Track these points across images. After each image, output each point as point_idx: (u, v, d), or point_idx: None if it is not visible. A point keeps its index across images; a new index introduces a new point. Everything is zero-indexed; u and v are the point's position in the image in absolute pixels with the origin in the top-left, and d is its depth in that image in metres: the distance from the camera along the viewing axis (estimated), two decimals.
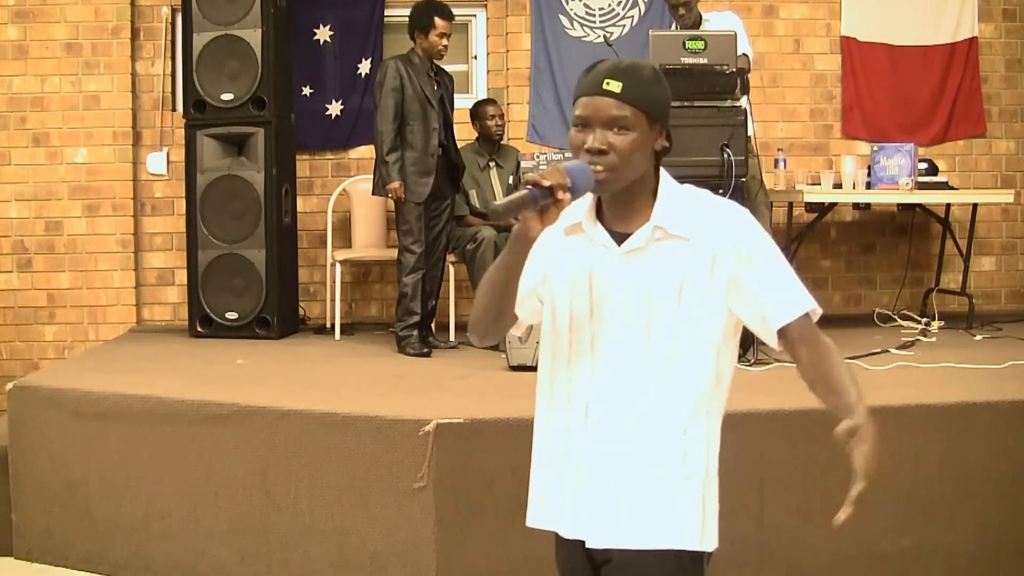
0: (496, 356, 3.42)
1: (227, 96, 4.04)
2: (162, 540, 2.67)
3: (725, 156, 3.17)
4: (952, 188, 4.31)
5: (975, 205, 4.37)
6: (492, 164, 4.30)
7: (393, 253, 4.40)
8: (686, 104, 3.22)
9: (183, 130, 4.18)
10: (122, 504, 2.72)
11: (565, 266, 1.37)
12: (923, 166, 4.22)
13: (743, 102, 3.39)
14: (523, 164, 3.43)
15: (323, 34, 4.66)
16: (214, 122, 4.06)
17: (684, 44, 3.28)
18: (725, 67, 3.27)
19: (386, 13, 4.66)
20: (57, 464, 2.81)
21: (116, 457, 2.74)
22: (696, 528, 1.33)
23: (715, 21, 3.78)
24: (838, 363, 1.34)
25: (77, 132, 4.46)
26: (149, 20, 4.55)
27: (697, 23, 3.74)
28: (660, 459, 1.32)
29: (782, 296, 1.34)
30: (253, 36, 4.02)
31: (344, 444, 2.47)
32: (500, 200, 1.26)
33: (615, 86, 1.27)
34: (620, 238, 1.33)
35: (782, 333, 1.34)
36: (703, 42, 3.29)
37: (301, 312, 4.45)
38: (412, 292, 3.71)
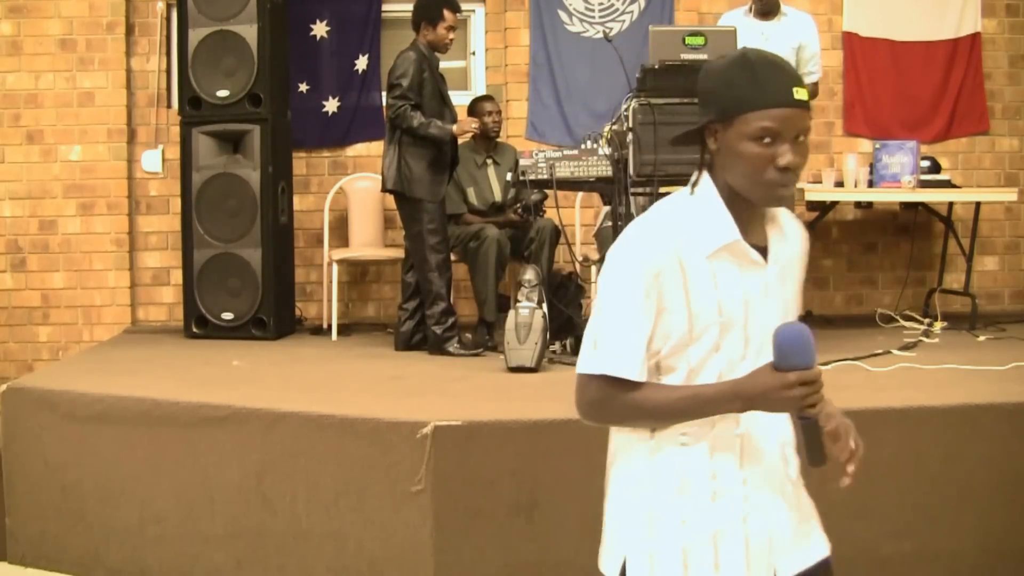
0: (494, 358, 3.39)
1: (223, 93, 4.01)
2: (157, 544, 2.65)
3: None
4: (955, 186, 4.28)
5: (978, 204, 4.33)
6: (489, 161, 4.27)
7: (391, 252, 4.38)
8: (685, 101, 3.20)
9: (178, 127, 4.15)
10: (117, 508, 2.70)
11: (714, 295, 1.20)
12: (926, 164, 4.19)
13: None
14: (521, 162, 3.39)
15: (320, 30, 4.62)
16: (210, 119, 4.03)
17: (684, 40, 3.25)
18: None
19: (383, 9, 4.62)
20: (51, 467, 2.79)
21: (111, 460, 2.72)
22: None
23: (793, 16, 3.79)
24: None
25: (71, 129, 4.43)
26: (144, 16, 4.52)
27: (773, 10, 3.74)
28: (805, 511, 1.30)
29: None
30: (249, 32, 3.99)
31: (341, 447, 2.45)
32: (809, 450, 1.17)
33: (802, 94, 1.18)
34: (759, 251, 1.24)
35: None
36: (703, 38, 3.26)
37: (297, 312, 4.42)
38: (446, 292, 3.63)
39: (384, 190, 3.75)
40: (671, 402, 1.19)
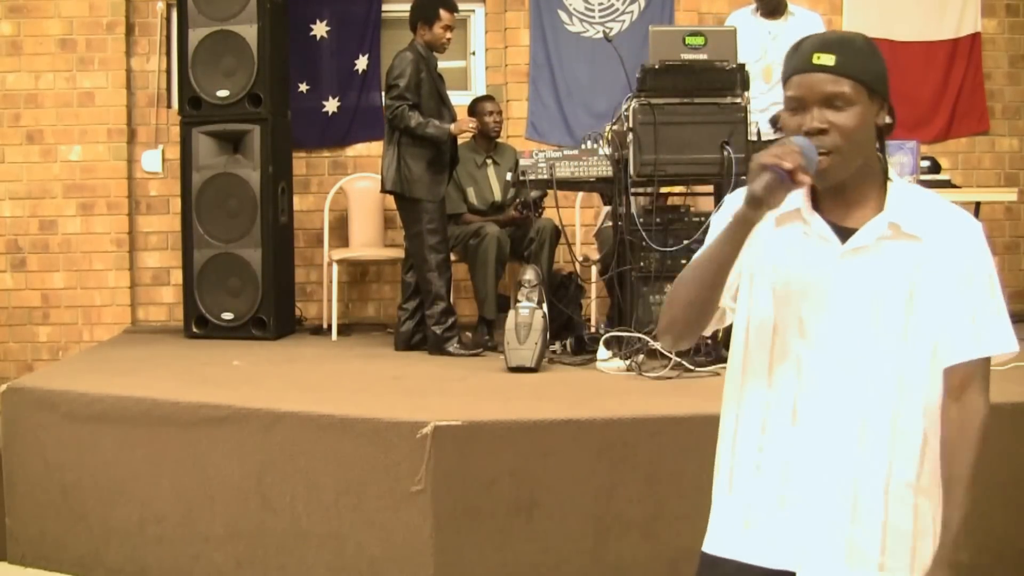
0: (494, 357, 3.39)
1: (223, 93, 4.01)
2: (157, 544, 2.65)
3: (726, 153, 3.15)
4: (955, 186, 4.28)
5: (978, 204, 4.32)
6: (489, 161, 4.27)
7: (391, 252, 4.38)
8: (686, 101, 3.20)
9: (178, 127, 4.14)
10: (117, 508, 2.70)
11: (772, 260, 1.23)
12: (925, 164, 4.18)
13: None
14: (521, 162, 3.39)
15: (320, 30, 4.62)
16: (210, 119, 4.03)
17: (684, 40, 3.25)
18: (725, 63, 3.24)
19: (383, 9, 4.62)
20: (51, 467, 2.78)
21: (111, 460, 2.71)
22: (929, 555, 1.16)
23: (801, 15, 3.79)
24: (969, 460, 1.17)
25: (71, 129, 4.42)
26: (144, 15, 4.51)
27: (780, 9, 3.73)
28: (898, 477, 1.18)
29: (973, 330, 1.18)
30: (249, 32, 3.99)
31: (341, 446, 2.44)
32: (753, 184, 1.11)
33: (828, 59, 1.16)
34: (842, 233, 1.19)
35: (948, 374, 1.18)
36: (703, 38, 3.26)
37: (297, 312, 4.42)
38: (446, 292, 3.62)
39: (384, 190, 3.74)
40: None
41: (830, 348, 1.19)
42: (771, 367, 1.22)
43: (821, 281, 1.19)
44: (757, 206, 1.12)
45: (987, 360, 1.20)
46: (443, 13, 3.67)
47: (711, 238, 1.23)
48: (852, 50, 1.19)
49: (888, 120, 1.22)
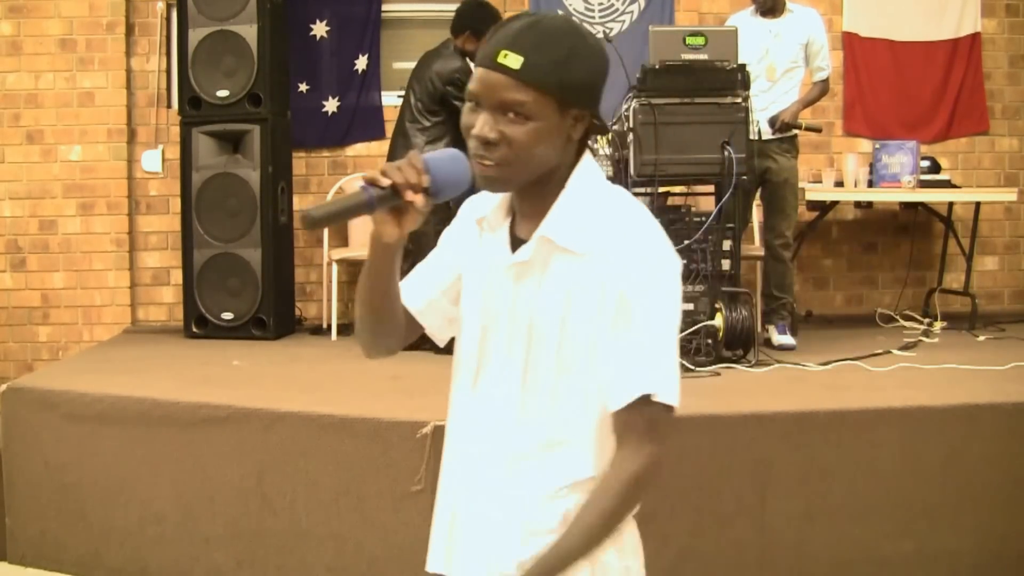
0: None
1: (223, 93, 4.00)
2: (157, 544, 2.65)
3: (726, 153, 3.14)
4: (955, 186, 4.28)
5: (978, 204, 4.33)
6: None
7: None
8: (687, 101, 3.19)
9: (178, 127, 4.14)
10: (117, 508, 2.69)
11: (471, 266, 1.13)
12: (925, 164, 4.19)
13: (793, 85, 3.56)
14: None
15: (320, 30, 4.62)
16: (210, 119, 4.02)
17: (684, 40, 3.25)
18: (726, 63, 3.23)
19: (383, 9, 4.62)
20: (51, 467, 2.78)
21: (111, 460, 2.71)
22: None
23: (800, 13, 3.78)
24: (601, 508, 1.03)
25: (71, 129, 4.42)
26: (144, 15, 4.51)
27: (778, 7, 3.73)
28: (535, 527, 1.06)
29: (623, 371, 1.01)
30: (249, 32, 3.98)
31: (341, 447, 2.44)
32: (324, 204, 0.98)
33: (514, 60, 0.99)
34: (518, 245, 1.08)
35: (615, 418, 1.03)
36: (703, 38, 3.26)
37: (297, 312, 4.42)
38: None
39: None
40: None
41: (496, 364, 1.09)
42: (459, 381, 1.14)
43: (495, 295, 1.09)
44: (313, 227, 0.97)
45: (645, 406, 1.01)
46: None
47: (437, 250, 1.18)
48: (549, 52, 1.00)
49: (594, 124, 1.06)
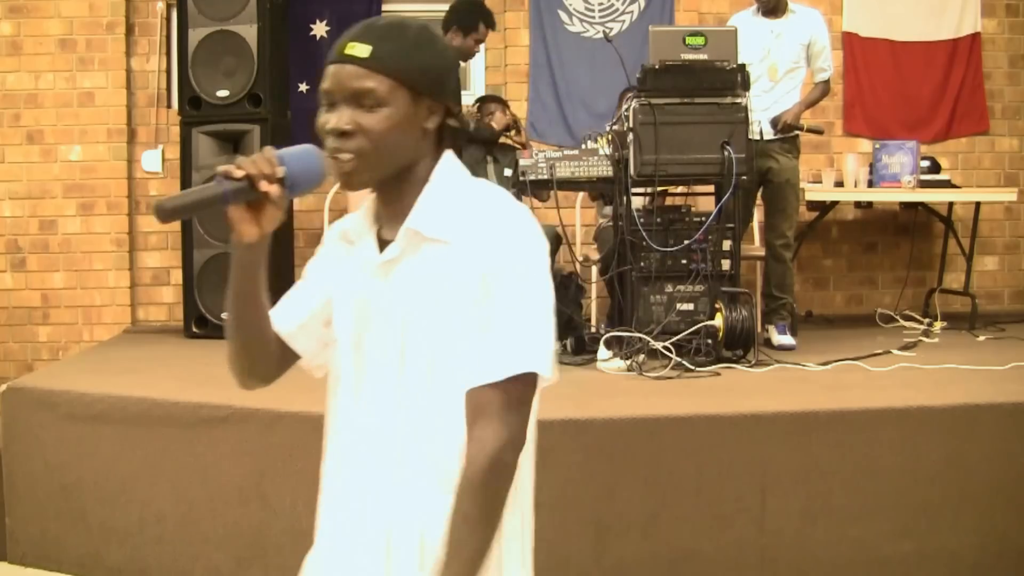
0: None
1: (223, 93, 4.00)
2: (157, 545, 2.65)
3: (726, 153, 3.14)
4: (955, 186, 4.29)
5: (978, 204, 4.34)
6: (490, 159, 4.27)
7: None
8: (686, 101, 3.20)
9: (178, 127, 4.14)
10: (117, 508, 2.69)
11: (341, 279, 1.11)
12: (925, 164, 4.19)
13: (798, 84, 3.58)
14: (521, 162, 3.39)
15: (320, 29, 4.62)
16: (210, 119, 4.02)
17: (684, 40, 3.25)
18: (726, 63, 3.23)
19: (383, 9, 4.62)
20: (51, 467, 2.78)
21: (111, 460, 2.71)
22: None
23: (802, 13, 3.78)
24: (474, 499, 0.99)
25: (71, 129, 4.42)
26: (144, 15, 4.51)
27: (779, 8, 3.72)
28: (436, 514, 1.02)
29: (484, 349, 1.00)
30: (249, 32, 3.98)
31: None
32: (177, 195, 0.97)
33: (361, 50, 1.01)
34: (384, 246, 1.07)
35: (465, 402, 1.01)
36: (703, 38, 3.26)
37: None
38: None
39: None
40: None
41: (374, 368, 1.07)
42: (339, 400, 1.11)
43: (367, 300, 1.07)
44: (165, 219, 0.96)
45: (506, 384, 1.00)
46: (482, 28, 3.66)
47: (303, 278, 1.15)
48: (395, 40, 1.03)
49: (449, 121, 1.07)
